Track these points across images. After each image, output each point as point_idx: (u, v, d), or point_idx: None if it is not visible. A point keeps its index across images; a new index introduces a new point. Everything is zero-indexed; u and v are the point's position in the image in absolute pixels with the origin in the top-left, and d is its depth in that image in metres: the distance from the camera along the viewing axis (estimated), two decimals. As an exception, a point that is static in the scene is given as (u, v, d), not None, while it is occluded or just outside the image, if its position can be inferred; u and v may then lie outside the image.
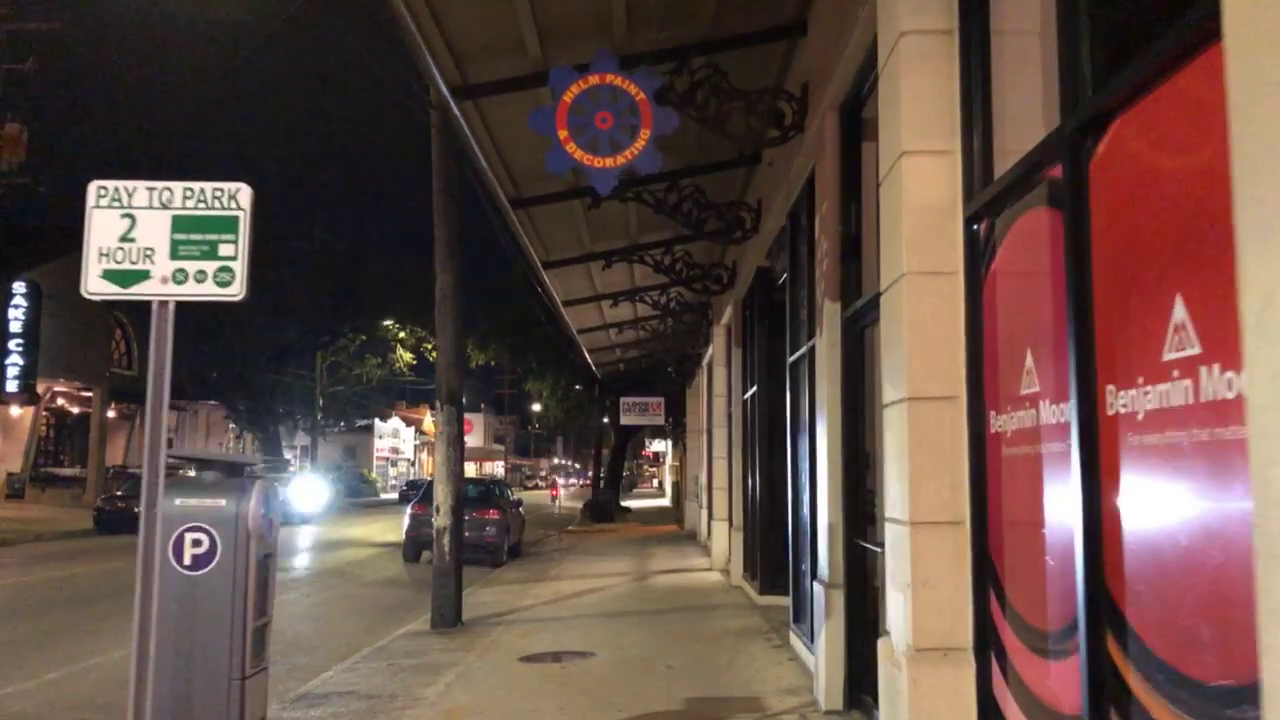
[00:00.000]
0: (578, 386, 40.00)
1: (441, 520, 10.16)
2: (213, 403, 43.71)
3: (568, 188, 9.23)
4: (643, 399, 23.71)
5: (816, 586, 6.02)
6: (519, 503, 19.94)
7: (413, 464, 67.42)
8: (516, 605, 11.49)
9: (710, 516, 14.72)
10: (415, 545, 17.68)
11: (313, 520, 28.00)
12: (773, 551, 9.98)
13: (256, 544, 4.31)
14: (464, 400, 10.57)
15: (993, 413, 3.63)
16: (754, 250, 10.06)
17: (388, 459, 64.46)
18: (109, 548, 19.49)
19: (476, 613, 10.78)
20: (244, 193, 3.98)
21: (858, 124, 6.02)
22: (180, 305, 3.89)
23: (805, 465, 7.07)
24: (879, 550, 4.65)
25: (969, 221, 3.87)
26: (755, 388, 10.61)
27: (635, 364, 23.20)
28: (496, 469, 78.74)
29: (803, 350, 7.46)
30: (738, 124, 6.86)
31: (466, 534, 17.81)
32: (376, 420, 61.06)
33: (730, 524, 13.12)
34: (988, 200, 3.70)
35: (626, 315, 16.75)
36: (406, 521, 17.86)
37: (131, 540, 19.19)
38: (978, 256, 3.84)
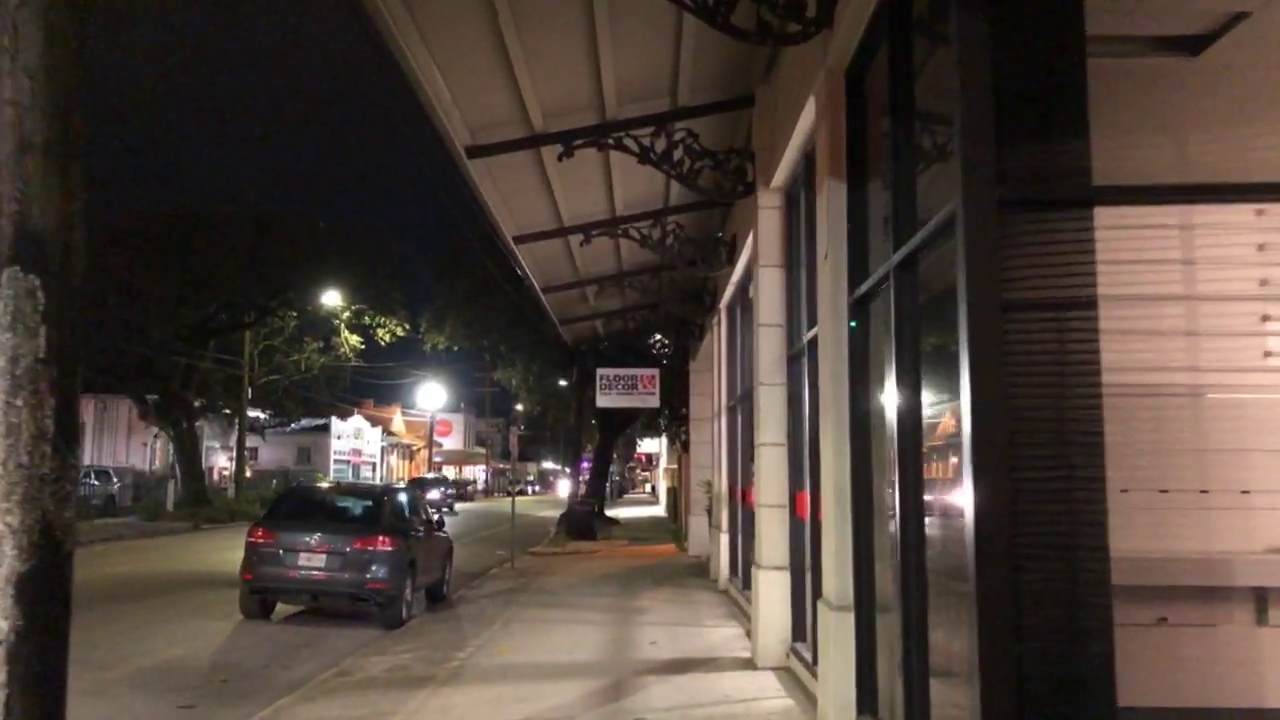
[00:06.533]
0: (562, 383, 33.56)
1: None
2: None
3: None
4: (629, 371, 16.91)
5: None
6: (439, 524, 13.03)
7: (375, 468, 60.19)
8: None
9: (755, 560, 7.77)
10: (260, 593, 10.85)
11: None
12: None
13: None
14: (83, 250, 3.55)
15: None
16: None
17: (348, 462, 57.28)
18: None
19: None
20: None
21: None
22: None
23: None
24: None
25: None
26: (938, 223, 3.74)
27: (618, 324, 16.31)
28: (478, 474, 72.16)
29: None
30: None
31: (345, 576, 11.07)
32: (334, 419, 53.92)
33: (814, 588, 6.27)
34: None
35: (599, 205, 9.90)
36: (245, 556, 10.98)
37: None
38: None
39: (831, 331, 5.02)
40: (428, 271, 34.01)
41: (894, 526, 4.19)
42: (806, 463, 6.66)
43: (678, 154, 7.31)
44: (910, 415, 4.02)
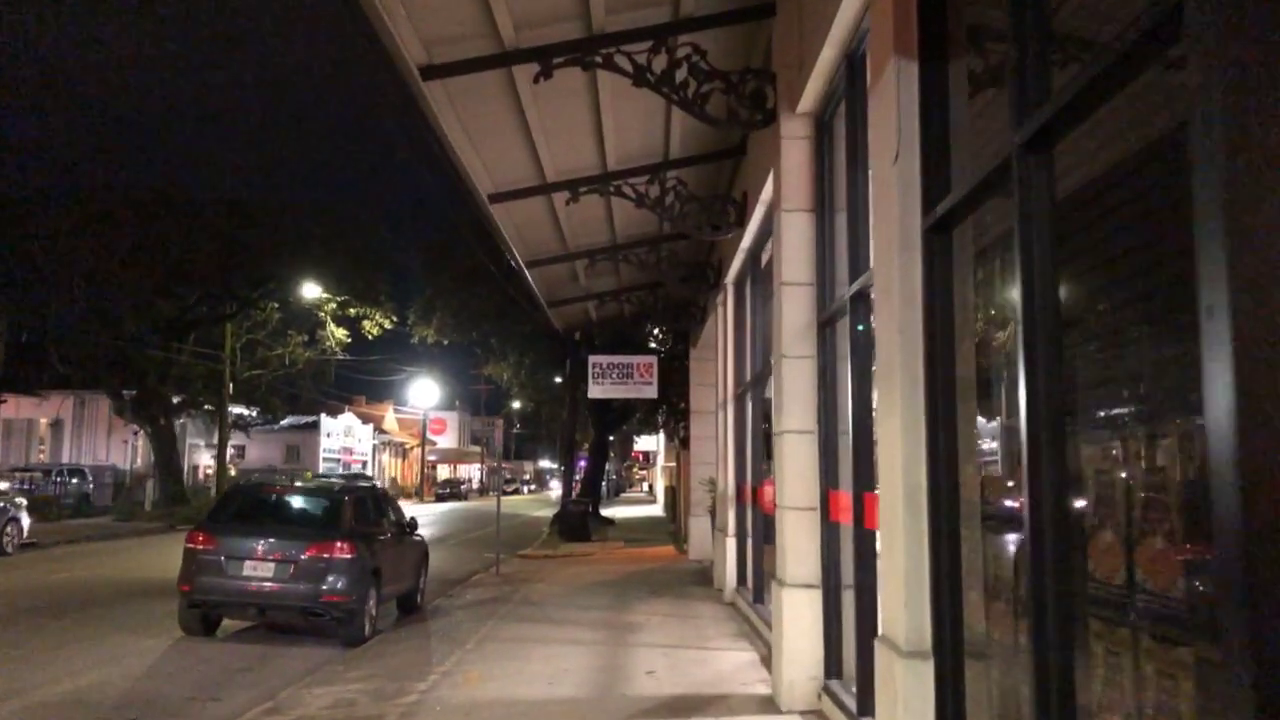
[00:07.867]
0: (557, 379, 32.22)
1: None
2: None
3: None
4: (624, 359, 15.50)
5: None
6: (411, 527, 11.62)
7: (366, 466, 58.54)
8: None
9: (776, 575, 6.34)
10: (199, 606, 9.45)
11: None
12: None
13: None
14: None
15: None
16: None
17: (338, 460, 55.64)
18: None
19: None
20: None
21: None
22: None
23: None
24: None
25: None
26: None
27: (613, 307, 14.91)
28: (473, 472, 70.68)
29: None
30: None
31: (298, 587, 9.60)
32: (324, 416, 52.33)
33: (857, 613, 4.88)
34: None
35: (587, 157, 8.48)
36: (182, 563, 9.55)
37: None
38: None
39: (899, 269, 3.62)
40: (415, 260, 32.65)
41: (1019, 541, 2.80)
42: (848, 454, 5.26)
43: (681, 74, 6.08)
44: (1047, 379, 2.62)
